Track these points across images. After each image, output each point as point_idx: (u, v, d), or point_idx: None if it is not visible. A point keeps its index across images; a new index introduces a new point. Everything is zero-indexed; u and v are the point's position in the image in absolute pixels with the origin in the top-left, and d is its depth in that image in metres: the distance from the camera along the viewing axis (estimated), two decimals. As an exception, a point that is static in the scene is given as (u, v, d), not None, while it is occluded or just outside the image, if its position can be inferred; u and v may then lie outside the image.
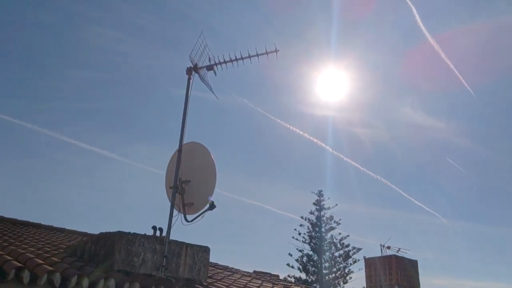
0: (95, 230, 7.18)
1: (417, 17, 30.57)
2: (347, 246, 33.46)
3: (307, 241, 34.04)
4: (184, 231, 5.80)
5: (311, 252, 33.73)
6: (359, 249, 32.97)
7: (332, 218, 34.43)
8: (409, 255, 20.23)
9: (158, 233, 5.50)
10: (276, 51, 5.97)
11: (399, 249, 20.54)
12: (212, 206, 5.76)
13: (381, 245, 20.74)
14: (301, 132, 37.88)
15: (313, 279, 32.73)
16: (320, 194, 35.41)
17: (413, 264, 19.83)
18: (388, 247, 21.00)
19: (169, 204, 5.55)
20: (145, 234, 5.37)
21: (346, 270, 33.09)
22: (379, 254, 20.22)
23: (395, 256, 19.73)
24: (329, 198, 35.21)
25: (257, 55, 5.98)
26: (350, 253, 33.24)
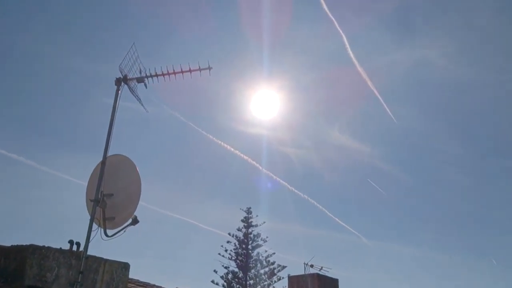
0: (5, 242, 6.71)
1: (347, 44, 32.13)
2: (273, 263, 33.80)
3: (233, 258, 34.00)
4: (104, 247, 5.59)
5: (236, 269, 33.69)
6: (284, 267, 33.43)
7: (259, 236, 34.72)
8: (331, 273, 20.75)
9: (75, 248, 5.26)
10: (209, 68, 5.99)
11: (322, 267, 21.03)
12: (135, 221, 5.61)
13: (304, 263, 21.17)
14: (233, 149, 38.12)
15: (237, 296, 32.64)
16: (248, 211, 35.62)
17: (334, 282, 20.41)
18: (311, 266, 21.48)
19: (89, 217, 5.34)
20: (60, 248, 5.11)
21: (270, 288, 33.35)
22: (302, 272, 20.63)
23: (317, 274, 20.22)
24: (257, 216, 35.52)
25: (190, 70, 5.96)
26: (275, 271, 33.59)
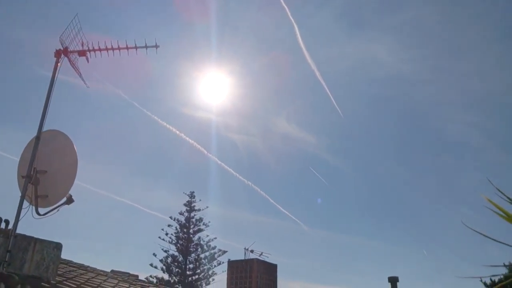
0: None
1: (298, 34, 32.37)
2: (214, 248, 33.91)
3: (173, 242, 33.77)
4: (36, 226, 5.35)
5: (176, 253, 33.52)
6: (224, 252, 33.63)
7: (202, 220, 34.66)
8: (270, 259, 21.17)
9: (3, 226, 5.00)
10: (156, 46, 5.83)
11: (262, 253, 21.40)
12: (69, 200, 5.41)
13: (245, 248, 21.42)
14: (178, 132, 37.61)
15: (176, 280, 32.52)
16: (191, 195, 35.45)
17: (273, 267, 20.83)
18: (252, 251, 21.76)
19: (20, 194, 5.08)
20: (-13, 225, 4.84)
21: (210, 272, 33.50)
22: (243, 257, 20.86)
23: (257, 259, 20.52)
24: (200, 200, 35.41)
25: (136, 47, 5.78)
26: (216, 255, 33.74)
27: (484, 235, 1.97)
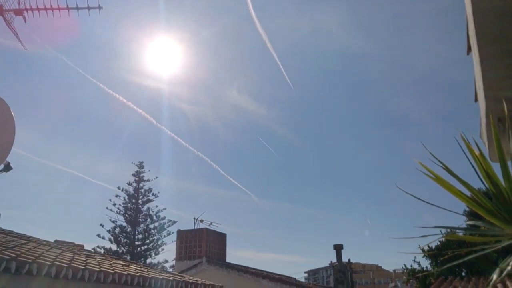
0: None
1: (250, 5, 32.00)
2: (163, 218, 33.83)
3: (121, 212, 33.37)
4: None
5: (125, 224, 33.17)
6: (174, 222, 33.67)
7: (151, 191, 34.38)
8: (220, 228, 21.40)
9: None
10: (99, 7, 5.55)
11: (211, 222, 21.55)
12: (7, 168, 5.18)
13: (194, 218, 21.46)
14: (125, 101, 36.68)
15: (124, 250, 32.29)
16: (140, 165, 34.95)
17: (222, 236, 21.05)
18: (201, 221, 21.88)
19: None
20: None
21: (159, 242, 33.49)
22: (192, 227, 20.92)
23: (206, 229, 20.66)
24: (149, 170, 35.01)
25: (77, 8, 5.48)
26: (165, 226, 33.70)
27: (416, 197, 2.08)
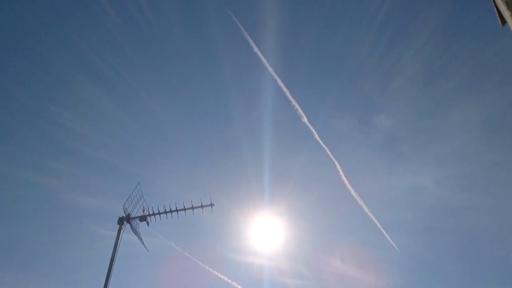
0: None
1: (340, 171, 32.35)
2: None
3: None
4: None
5: None
6: None
7: None
8: None
9: None
10: (211, 205, 6.01)
11: None
12: None
13: None
14: (230, 281, 34.83)
15: None
16: None
17: None
18: None
19: None
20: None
21: None
22: None
23: None
24: None
25: (192, 207, 5.97)
26: None
27: None
